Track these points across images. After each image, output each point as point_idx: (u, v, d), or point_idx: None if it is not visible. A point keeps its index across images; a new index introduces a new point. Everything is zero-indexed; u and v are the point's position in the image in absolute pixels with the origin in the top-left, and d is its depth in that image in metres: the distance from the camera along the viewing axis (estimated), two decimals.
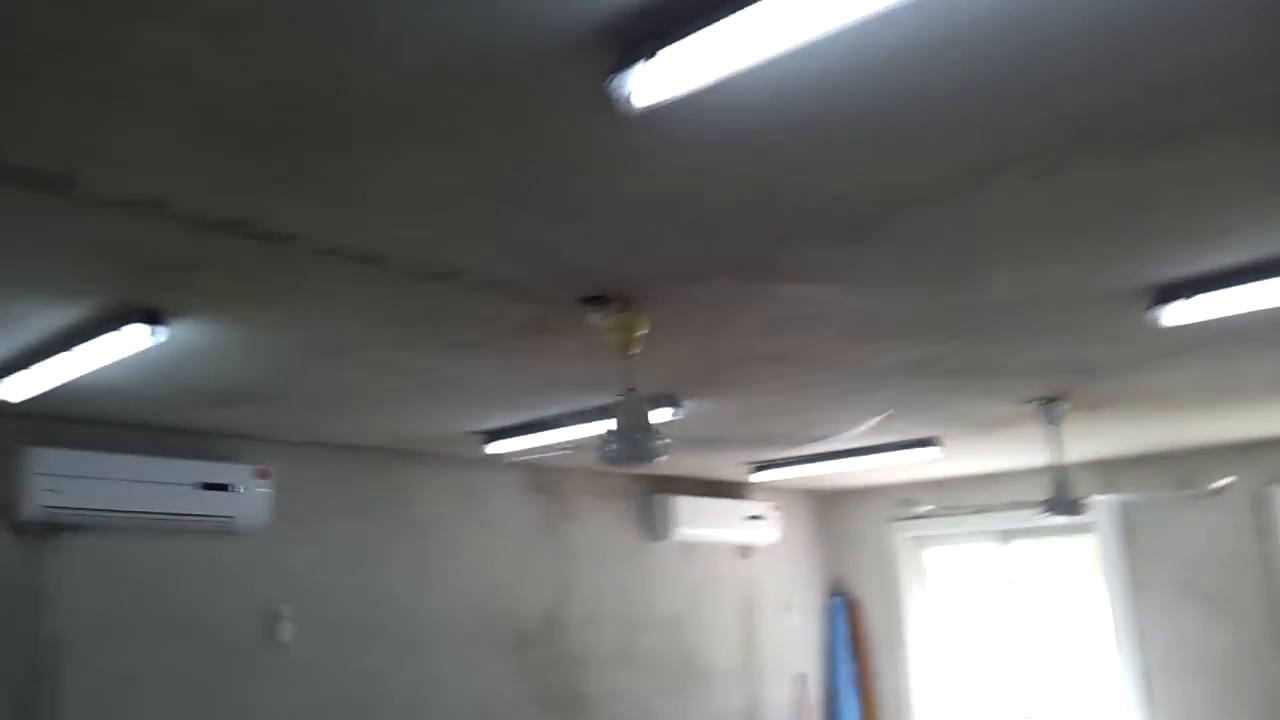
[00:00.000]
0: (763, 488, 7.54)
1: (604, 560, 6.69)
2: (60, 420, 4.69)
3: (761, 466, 6.59)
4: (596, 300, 3.16)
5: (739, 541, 7.34)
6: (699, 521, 7.02)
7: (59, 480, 4.55)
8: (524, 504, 6.39)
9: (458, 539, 6.03)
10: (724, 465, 6.57)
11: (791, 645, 7.68)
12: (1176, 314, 3.23)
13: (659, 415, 4.57)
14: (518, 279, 2.98)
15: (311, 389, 4.25)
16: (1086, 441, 5.75)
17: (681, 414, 4.58)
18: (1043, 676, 7.04)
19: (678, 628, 7.00)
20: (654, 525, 6.99)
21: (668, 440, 3.15)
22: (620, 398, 3.15)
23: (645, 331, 3.20)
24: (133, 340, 3.21)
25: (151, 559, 4.91)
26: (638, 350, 3.17)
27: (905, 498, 7.44)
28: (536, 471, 6.45)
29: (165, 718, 4.80)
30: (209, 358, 3.70)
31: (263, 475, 5.15)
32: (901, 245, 2.79)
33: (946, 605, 7.60)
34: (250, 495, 5.10)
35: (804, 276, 3.01)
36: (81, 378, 3.77)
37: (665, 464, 6.48)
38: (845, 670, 7.71)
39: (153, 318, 3.17)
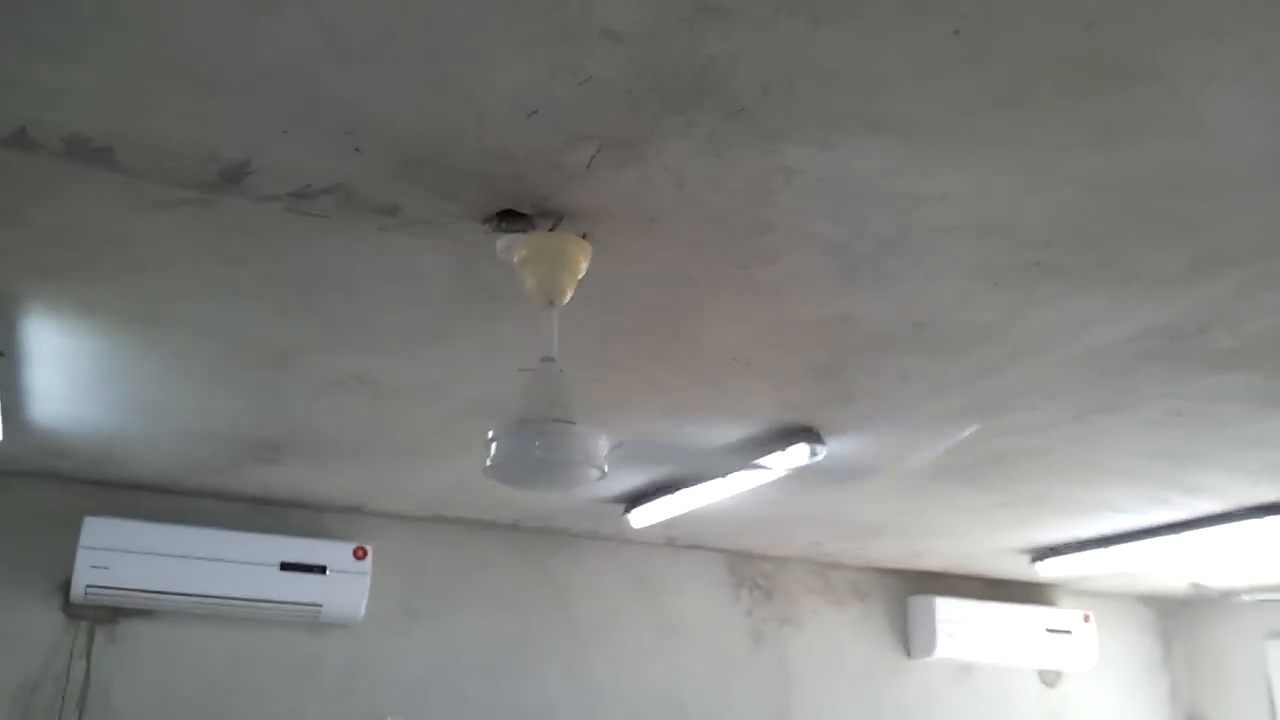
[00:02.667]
0: (1070, 590, 5.63)
1: (837, 682, 5.13)
2: (129, 488, 4.08)
3: (1043, 554, 4.81)
4: (507, 218, 1.95)
5: (1038, 663, 5.47)
6: (976, 633, 5.28)
7: (108, 555, 3.90)
8: (723, 602, 5.04)
9: (631, 644, 4.78)
10: (988, 553, 4.87)
11: None
12: None
13: (795, 457, 3.17)
14: (347, 177, 1.85)
15: (324, 431, 3.31)
16: None
17: (821, 454, 3.14)
18: None
19: None
20: (910, 636, 5.34)
21: (603, 447, 1.82)
22: (531, 370, 1.88)
23: (583, 265, 1.93)
24: None
25: (227, 653, 4.12)
26: (565, 298, 1.91)
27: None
28: (740, 560, 5.10)
29: None
30: (134, 376, 2.86)
31: (360, 555, 4.26)
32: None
33: None
34: (344, 579, 4.21)
35: (798, 116, 1.62)
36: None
37: (918, 554, 4.92)
38: None
39: None
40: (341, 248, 2.11)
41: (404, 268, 2.20)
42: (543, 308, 1.91)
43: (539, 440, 1.77)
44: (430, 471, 3.80)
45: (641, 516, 4.12)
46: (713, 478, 3.55)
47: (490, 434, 1.81)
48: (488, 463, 1.80)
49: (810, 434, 3.14)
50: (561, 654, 4.65)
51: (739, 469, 3.41)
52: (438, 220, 1.98)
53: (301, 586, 4.13)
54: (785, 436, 3.17)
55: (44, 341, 2.62)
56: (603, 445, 1.81)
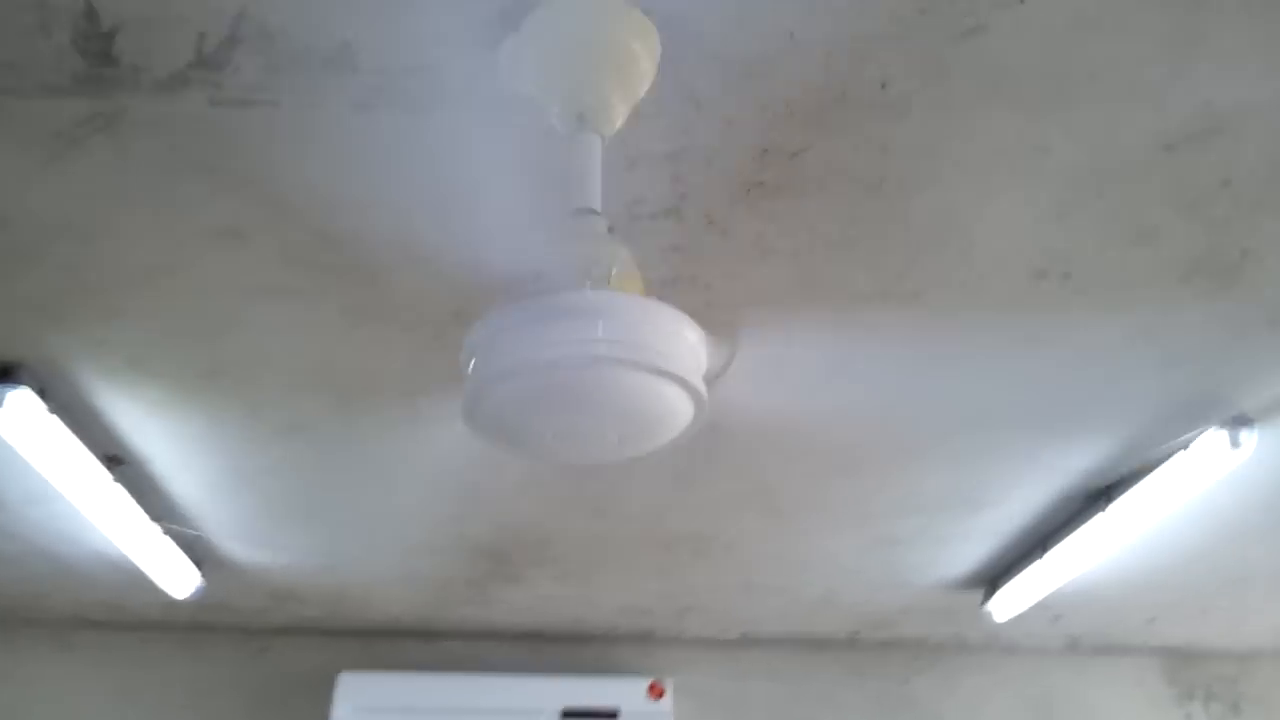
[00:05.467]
0: None
1: None
2: (386, 634, 3.55)
3: None
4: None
5: None
6: None
7: (366, 715, 3.34)
8: None
9: None
10: None
11: None
12: None
13: (1207, 455, 1.98)
14: None
15: (534, 518, 2.56)
16: None
17: (1250, 442, 1.93)
18: None
19: None
20: None
21: (688, 340, 0.89)
22: (570, 221, 1.01)
23: (644, 59, 1.07)
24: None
25: None
26: (613, 120, 1.05)
27: None
28: (1180, 661, 3.67)
29: None
30: (261, 464, 2.28)
31: (657, 693, 3.40)
32: None
33: None
34: None
35: None
36: None
37: None
38: None
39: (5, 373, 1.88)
40: (355, 164, 1.40)
41: (474, 168, 1.43)
42: (574, 133, 1.05)
43: (544, 326, 0.87)
44: (706, 570, 2.93)
45: (1006, 603, 2.96)
46: (1082, 522, 2.39)
47: (466, 338, 0.95)
48: (463, 402, 0.94)
49: (1223, 407, 1.96)
50: None
51: (1117, 496, 2.25)
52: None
53: None
54: (1181, 418, 2.01)
55: (145, 431, 2.11)
56: (687, 336, 0.89)
